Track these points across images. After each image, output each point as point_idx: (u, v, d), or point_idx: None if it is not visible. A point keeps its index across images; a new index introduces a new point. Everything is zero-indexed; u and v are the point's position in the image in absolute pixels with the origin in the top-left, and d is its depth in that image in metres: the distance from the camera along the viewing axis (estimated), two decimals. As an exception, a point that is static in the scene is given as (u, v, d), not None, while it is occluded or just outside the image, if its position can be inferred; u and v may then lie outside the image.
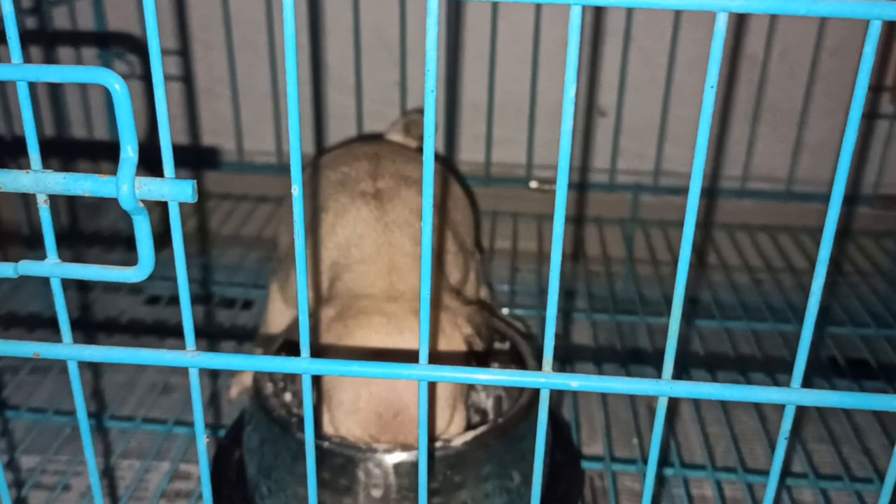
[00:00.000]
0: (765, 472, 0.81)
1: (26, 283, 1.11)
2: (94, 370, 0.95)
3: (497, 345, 0.78)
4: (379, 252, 0.74)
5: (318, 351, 0.68)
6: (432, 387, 0.64)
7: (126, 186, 0.36)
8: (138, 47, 1.22)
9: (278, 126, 1.27)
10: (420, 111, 1.16)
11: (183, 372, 0.94)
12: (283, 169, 1.29)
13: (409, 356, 0.65)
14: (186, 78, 1.25)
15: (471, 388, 0.78)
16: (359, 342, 0.67)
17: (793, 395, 0.40)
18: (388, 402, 0.63)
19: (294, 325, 0.73)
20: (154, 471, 0.81)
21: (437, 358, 0.67)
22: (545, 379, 0.41)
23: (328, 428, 0.66)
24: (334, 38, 1.23)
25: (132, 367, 0.96)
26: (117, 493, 0.77)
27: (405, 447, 0.62)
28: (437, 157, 1.15)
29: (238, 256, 1.20)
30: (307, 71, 1.23)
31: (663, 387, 0.40)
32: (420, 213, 0.79)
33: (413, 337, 0.66)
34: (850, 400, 0.40)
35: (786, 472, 0.81)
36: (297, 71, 0.35)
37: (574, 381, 0.41)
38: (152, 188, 0.37)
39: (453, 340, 0.70)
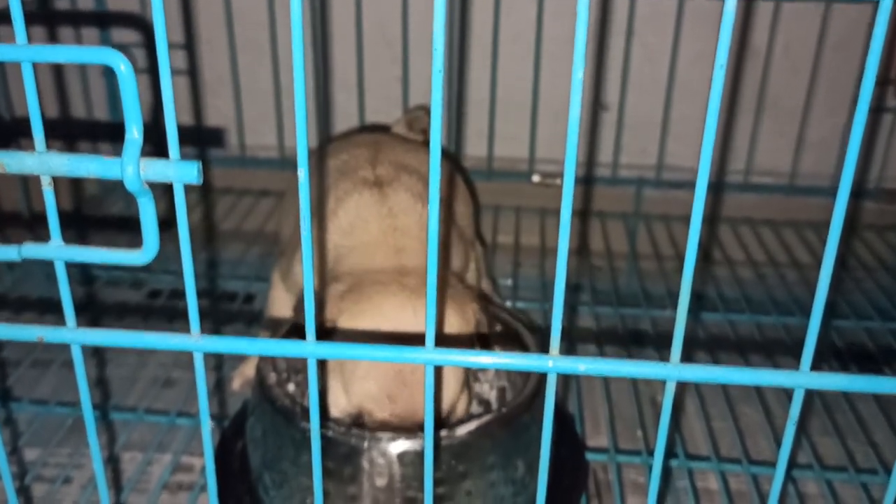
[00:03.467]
0: (769, 464, 0.81)
1: (29, 274, 1.11)
2: (95, 364, 0.95)
3: (499, 330, 0.78)
4: (385, 235, 0.75)
5: (330, 327, 0.68)
6: (439, 369, 0.64)
7: (131, 168, 0.36)
8: (141, 41, 1.22)
9: (280, 121, 1.27)
10: (422, 108, 1.15)
11: (184, 366, 0.95)
12: (285, 164, 1.28)
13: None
14: (191, 72, 1.25)
15: (473, 373, 0.78)
16: (376, 310, 0.67)
17: (802, 378, 0.40)
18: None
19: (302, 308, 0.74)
20: (156, 463, 0.80)
21: (445, 339, 0.67)
22: (553, 363, 0.40)
23: (339, 399, 0.66)
24: (336, 35, 1.23)
25: (134, 361, 0.95)
26: (119, 484, 0.77)
27: (417, 420, 0.63)
28: (441, 147, 1.15)
29: (240, 251, 1.20)
30: (310, 67, 1.23)
31: (671, 370, 0.40)
32: (420, 198, 0.79)
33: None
34: (858, 383, 0.40)
35: (791, 463, 0.81)
36: (303, 47, 0.35)
37: (582, 365, 0.40)
38: (157, 169, 0.36)
39: (464, 317, 0.70)
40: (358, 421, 0.66)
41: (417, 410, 0.64)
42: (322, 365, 0.67)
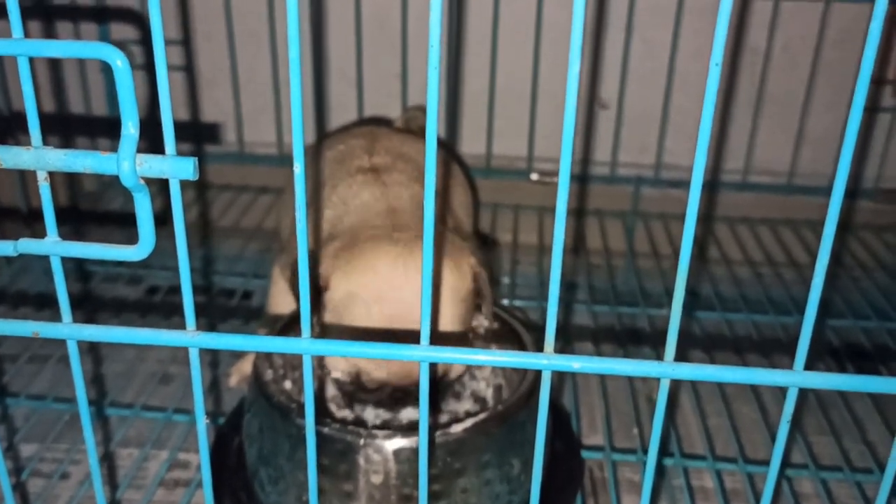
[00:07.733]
0: (765, 463, 0.81)
1: (26, 269, 1.11)
2: (92, 360, 0.95)
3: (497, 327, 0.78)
4: (377, 200, 0.77)
5: (324, 285, 0.70)
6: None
7: (127, 163, 0.36)
8: (139, 37, 1.22)
9: (279, 117, 1.27)
10: (419, 108, 1.16)
11: (181, 361, 0.94)
12: (284, 160, 1.28)
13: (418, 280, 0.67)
14: (188, 67, 1.25)
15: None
16: (370, 263, 0.69)
17: (795, 377, 0.40)
18: (398, 312, 0.67)
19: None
20: (153, 459, 0.80)
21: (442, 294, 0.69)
22: (547, 360, 0.40)
23: (339, 361, 0.69)
24: (336, 29, 1.23)
25: (130, 356, 0.95)
26: (116, 480, 0.77)
27: (413, 379, 0.66)
28: (441, 141, 1.15)
29: (238, 247, 1.20)
30: (309, 62, 1.23)
31: (665, 368, 0.40)
32: (415, 179, 0.80)
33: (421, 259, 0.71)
34: (852, 383, 0.40)
35: (786, 462, 0.81)
36: (299, 43, 0.35)
37: (576, 363, 0.40)
38: (153, 165, 0.36)
39: (461, 272, 0.71)
40: (358, 381, 0.68)
41: (412, 369, 0.66)
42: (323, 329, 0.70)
